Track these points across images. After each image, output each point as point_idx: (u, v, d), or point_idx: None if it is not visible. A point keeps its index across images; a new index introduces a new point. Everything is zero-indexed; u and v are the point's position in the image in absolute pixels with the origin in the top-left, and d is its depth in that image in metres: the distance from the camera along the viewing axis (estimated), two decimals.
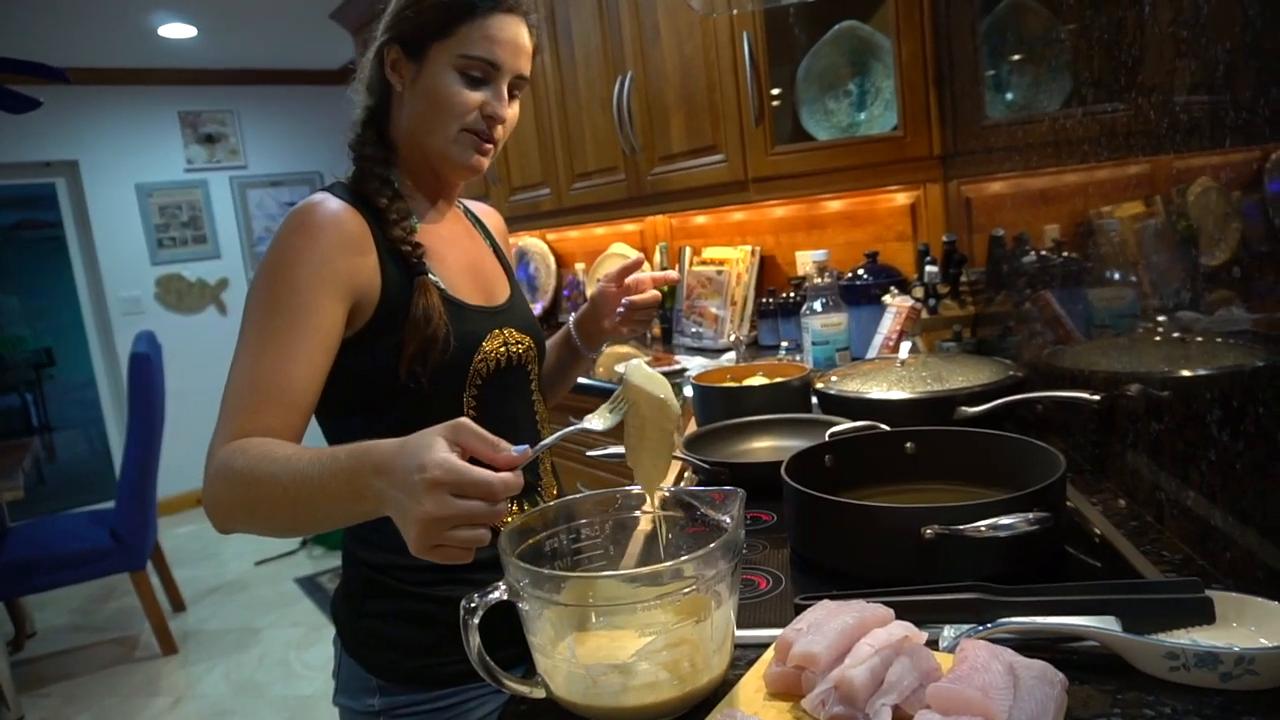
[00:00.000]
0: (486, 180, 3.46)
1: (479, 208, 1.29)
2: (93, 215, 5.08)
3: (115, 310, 5.17)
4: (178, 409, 4.24)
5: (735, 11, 2.06)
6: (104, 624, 3.68)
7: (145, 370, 3.16)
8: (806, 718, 0.62)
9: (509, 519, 1.03)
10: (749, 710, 0.64)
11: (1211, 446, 0.80)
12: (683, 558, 0.63)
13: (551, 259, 3.71)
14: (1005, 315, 1.67)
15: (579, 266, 3.53)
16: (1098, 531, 0.95)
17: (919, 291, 1.84)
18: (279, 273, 0.92)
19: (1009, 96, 1.66)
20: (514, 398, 1.11)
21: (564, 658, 0.65)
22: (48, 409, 8.73)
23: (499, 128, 1.05)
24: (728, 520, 0.73)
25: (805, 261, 2.53)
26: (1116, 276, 1.16)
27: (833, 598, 0.74)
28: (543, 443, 0.79)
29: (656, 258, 3.01)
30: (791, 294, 2.40)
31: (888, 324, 1.86)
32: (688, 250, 2.92)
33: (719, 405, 1.48)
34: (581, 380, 2.36)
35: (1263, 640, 0.64)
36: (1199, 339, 0.90)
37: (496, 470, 0.67)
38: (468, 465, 0.65)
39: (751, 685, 0.68)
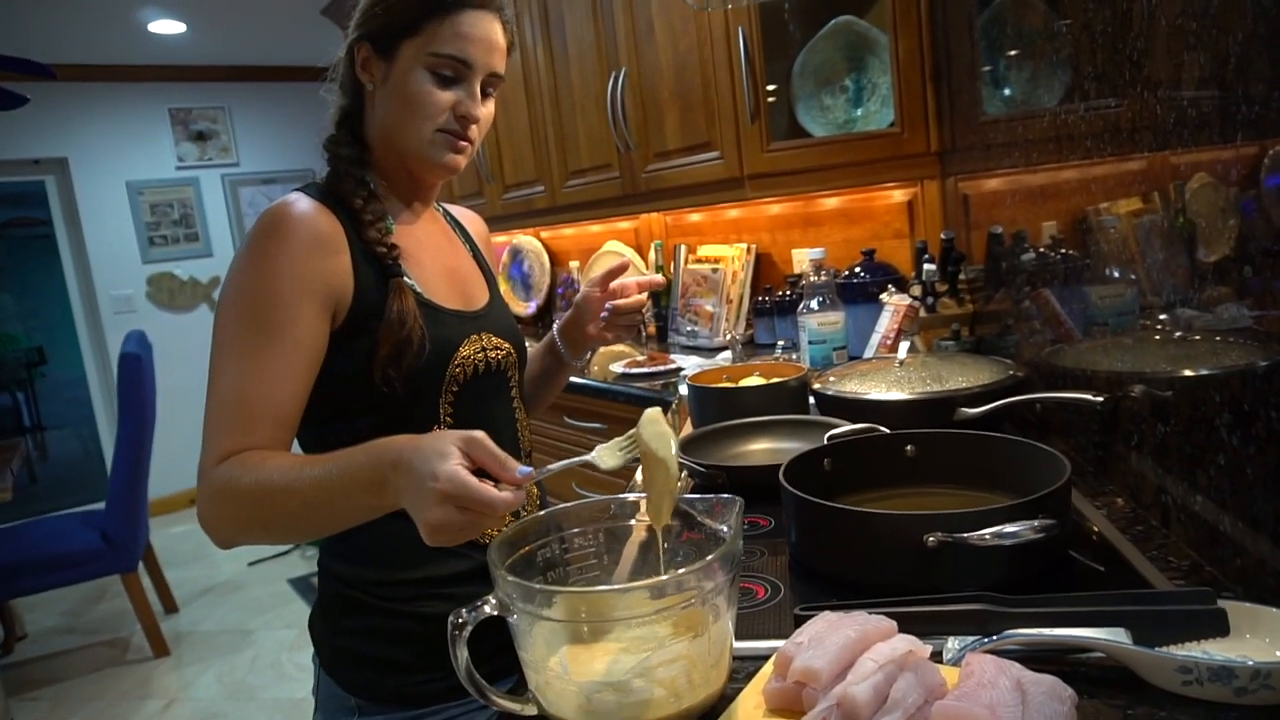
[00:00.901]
0: (480, 177, 3.44)
1: (460, 211, 1.26)
2: (83, 213, 5.03)
3: (106, 309, 5.12)
4: (170, 408, 4.20)
5: (730, 6, 2.03)
6: (95, 626, 3.65)
7: (135, 370, 3.13)
8: None
9: (500, 530, 1.02)
10: None
11: (1221, 450, 0.78)
12: (680, 571, 0.61)
13: (545, 257, 3.68)
14: (1004, 313, 1.65)
15: (573, 264, 3.50)
16: (1102, 535, 0.93)
17: (917, 290, 1.82)
18: (256, 282, 0.90)
19: (1007, 92, 1.64)
20: (493, 404, 1.09)
21: (556, 674, 0.63)
22: (39, 408, 8.68)
23: (473, 127, 1.03)
24: (726, 530, 0.70)
25: (801, 259, 2.51)
26: (1116, 274, 1.15)
27: (833, 608, 0.72)
28: (548, 468, 0.78)
29: (651, 255, 2.99)
30: (788, 292, 2.38)
31: (885, 323, 1.83)
32: (683, 248, 2.89)
33: (715, 406, 1.46)
34: (574, 379, 2.34)
35: (1278, 653, 0.62)
36: (1197, 337, 0.89)
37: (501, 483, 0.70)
38: (475, 483, 0.68)
39: (750, 701, 0.65)
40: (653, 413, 0.76)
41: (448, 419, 1.01)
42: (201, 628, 3.52)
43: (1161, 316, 0.98)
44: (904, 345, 1.42)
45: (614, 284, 1.19)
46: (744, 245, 2.65)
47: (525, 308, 3.74)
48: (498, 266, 3.61)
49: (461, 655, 0.63)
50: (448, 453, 0.70)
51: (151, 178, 5.25)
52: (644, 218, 3.08)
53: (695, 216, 2.91)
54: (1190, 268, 0.91)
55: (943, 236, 1.86)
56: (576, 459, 0.78)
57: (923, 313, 1.82)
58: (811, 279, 1.92)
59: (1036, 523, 0.76)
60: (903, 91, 1.98)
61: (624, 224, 3.21)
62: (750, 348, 2.47)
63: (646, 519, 0.78)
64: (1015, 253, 1.54)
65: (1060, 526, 0.77)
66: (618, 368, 2.41)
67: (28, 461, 7.37)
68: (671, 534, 0.76)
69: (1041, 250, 1.43)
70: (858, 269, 2.13)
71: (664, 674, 0.61)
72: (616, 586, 0.71)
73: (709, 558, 0.62)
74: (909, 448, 1.05)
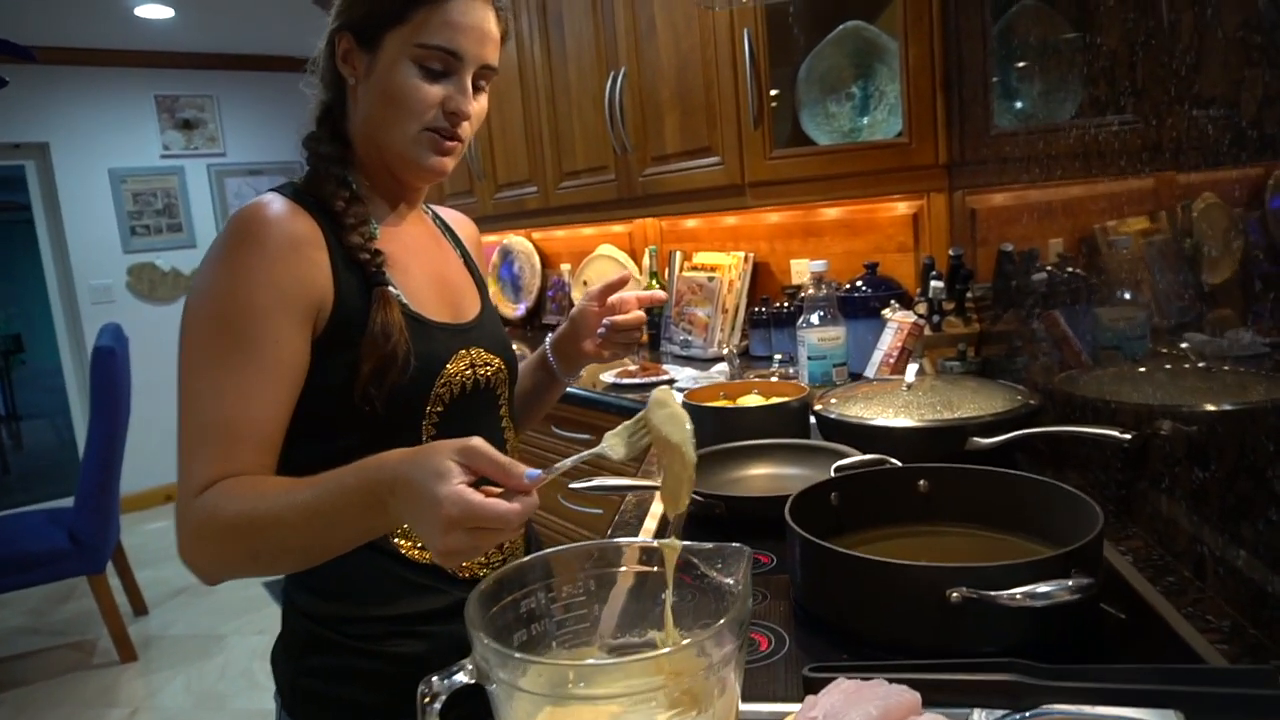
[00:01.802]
0: (471, 175, 3.35)
1: (450, 214, 1.18)
2: (63, 200, 4.90)
3: (84, 299, 4.99)
4: (148, 402, 4.10)
5: (735, 6, 1.96)
6: (61, 627, 3.53)
7: (109, 365, 3.02)
8: None
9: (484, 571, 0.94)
10: None
11: (1273, 504, 0.71)
12: (685, 642, 0.53)
13: (537, 258, 3.60)
14: (1012, 334, 1.59)
15: (565, 267, 3.42)
16: (1131, 586, 0.86)
17: (922, 307, 1.75)
18: (229, 293, 0.82)
19: (1018, 104, 1.58)
20: (481, 425, 1.00)
21: None
22: (15, 397, 8.52)
23: (463, 125, 0.94)
24: (732, 584, 0.63)
25: (801, 270, 2.44)
26: (1126, 295, 1.09)
27: (848, 671, 0.64)
28: (557, 467, 0.70)
29: (646, 260, 2.91)
30: (786, 304, 2.31)
31: (888, 340, 1.77)
32: (678, 255, 2.82)
33: (712, 427, 1.38)
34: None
35: None
36: (1225, 368, 0.83)
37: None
38: (482, 502, 0.63)
39: None
40: (662, 394, 0.70)
41: (430, 441, 0.93)
42: (171, 631, 3.42)
43: (1183, 345, 0.92)
44: (912, 367, 1.35)
45: (612, 298, 1.11)
46: (741, 254, 2.58)
47: (515, 309, 3.66)
48: (487, 270, 3.53)
49: None
50: (446, 471, 0.64)
51: (135, 165, 5.12)
52: (639, 222, 3.01)
53: (691, 222, 2.84)
54: (1197, 290, 0.88)
55: (951, 253, 1.79)
56: (586, 453, 0.72)
57: (928, 331, 1.76)
58: (811, 292, 1.86)
59: (1071, 582, 0.69)
60: (912, 100, 1.91)
61: (618, 228, 3.13)
62: (745, 360, 2.40)
63: (634, 565, 0.70)
64: (1026, 271, 1.48)
65: (1096, 586, 0.70)
66: (608, 377, 2.33)
67: (1, 452, 7.23)
68: (675, 578, 0.68)
69: (1049, 269, 1.37)
70: (859, 283, 2.07)
71: None
72: (609, 661, 0.63)
73: (719, 623, 0.54)
74: (922, 482, 0.98)
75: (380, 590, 0.91)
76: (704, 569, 0.67)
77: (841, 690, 0.61)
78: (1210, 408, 0.87)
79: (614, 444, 0.69)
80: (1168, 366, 0.99)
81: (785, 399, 1.43)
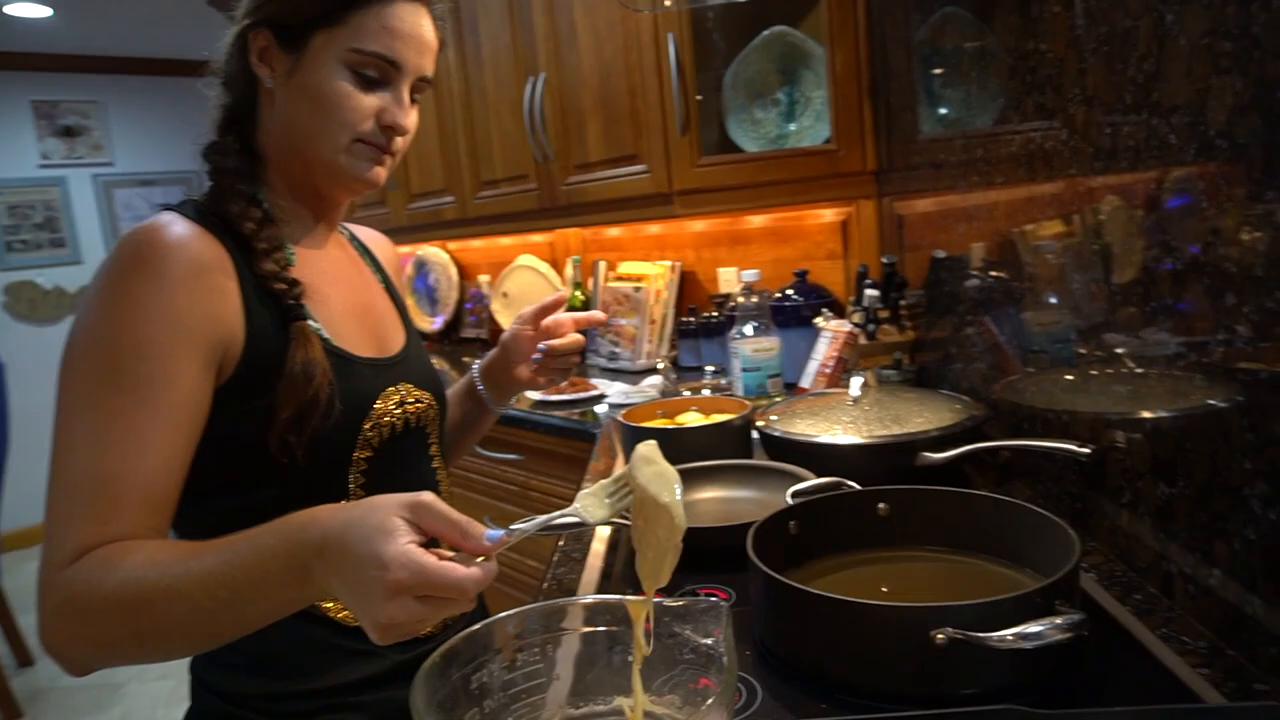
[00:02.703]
0: (384, 185, 3.21)
1: (367, 234, 1.09)
2: None
3: None
4: (29, 432, 3.75)
5: (659, 10, 1.91)
6: None
7: None
8: None
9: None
10: None
11: (1251, 524, 0.69)
12: None
13: (454, 270, 3.47)
14: (946, 341, 1.58)
15: (483, 279, 3.31)
16: (1102, 607, 0.83)
17: (857, 315, 1.73)
18: (117, 328, 0.71)
19: (942, 111, 1.58)
20: (410, 467, 0.92)
21: None
22: None
23: (398, 139, 0.86)
24: (711, 645, 0.56)
25: (729, 279, 2.41)
26: (1052, 300, 1.09)
27: None
28: (522, 526, 0.61)
29: (569, 271, 2.83)
30: (715, 314, 2.26)
31: (823, 350, 1.74)
32: (602, 264, 2.75)
33: None
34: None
35: None
36: (1158, 371, 0.82)
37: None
38: (436, 565, 0.55)
39: None
40: (646, 449, 0.62)
41: (358, 491, 0.84)
42: (61, 683, 3.13)
43: (1117, 350, 0.91)
44: (856, 380, 1.32)
45: (547, 321, 1.03)
46: (668, 263, 2.53)
47: (431, 323, 3.53)
48: (403, 286, 3.38)
49: None
50: (392, 529, 0.55)
51: (10, 176, 4.75)
52: (560, 232, 2.93)
53: (614, 231, 2.78)
54: (1109, 291, 0.90)
55: (884, 260, 1.78)
56: (555, 515, 0.62)
57: (862, 340, 1.74)
58: (743, 301, 1.82)
59: (1060, 620, 0.65)
60: (839, 107, 1.90)
61: (538, 238, 3.04)
62: (674, 371, 2.34)
63: (581, 627, 0.63)
64: (958, 277, 1.47)
65: (1087, 623, 0.66)
66: (534, 394, 2.24)
67: None
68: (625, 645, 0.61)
69: (974, 273, 1.37)
70: (790, 291, 2.04)
71: None
72: None
73: (707, 703, 0.47)
74: (882, 505, 0.94)
75: (307, 661, 0.81)
76: (675, 627, 0.60)
77: None
78: (1146, 414, 0.87)
79: (589, 505, 0.61)
80: (1093, 372, 0.98)
81: (728, 416, 1.37)
